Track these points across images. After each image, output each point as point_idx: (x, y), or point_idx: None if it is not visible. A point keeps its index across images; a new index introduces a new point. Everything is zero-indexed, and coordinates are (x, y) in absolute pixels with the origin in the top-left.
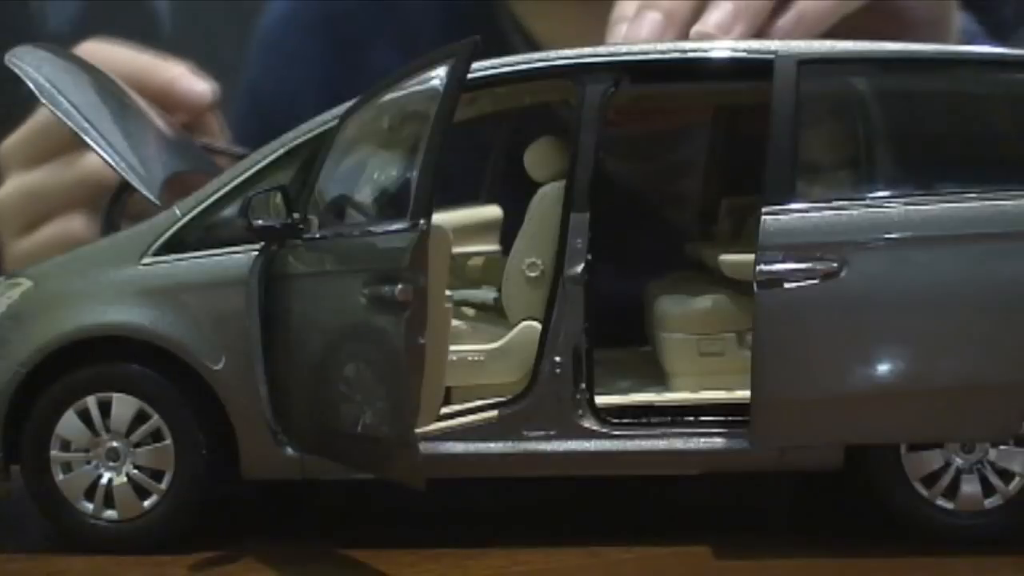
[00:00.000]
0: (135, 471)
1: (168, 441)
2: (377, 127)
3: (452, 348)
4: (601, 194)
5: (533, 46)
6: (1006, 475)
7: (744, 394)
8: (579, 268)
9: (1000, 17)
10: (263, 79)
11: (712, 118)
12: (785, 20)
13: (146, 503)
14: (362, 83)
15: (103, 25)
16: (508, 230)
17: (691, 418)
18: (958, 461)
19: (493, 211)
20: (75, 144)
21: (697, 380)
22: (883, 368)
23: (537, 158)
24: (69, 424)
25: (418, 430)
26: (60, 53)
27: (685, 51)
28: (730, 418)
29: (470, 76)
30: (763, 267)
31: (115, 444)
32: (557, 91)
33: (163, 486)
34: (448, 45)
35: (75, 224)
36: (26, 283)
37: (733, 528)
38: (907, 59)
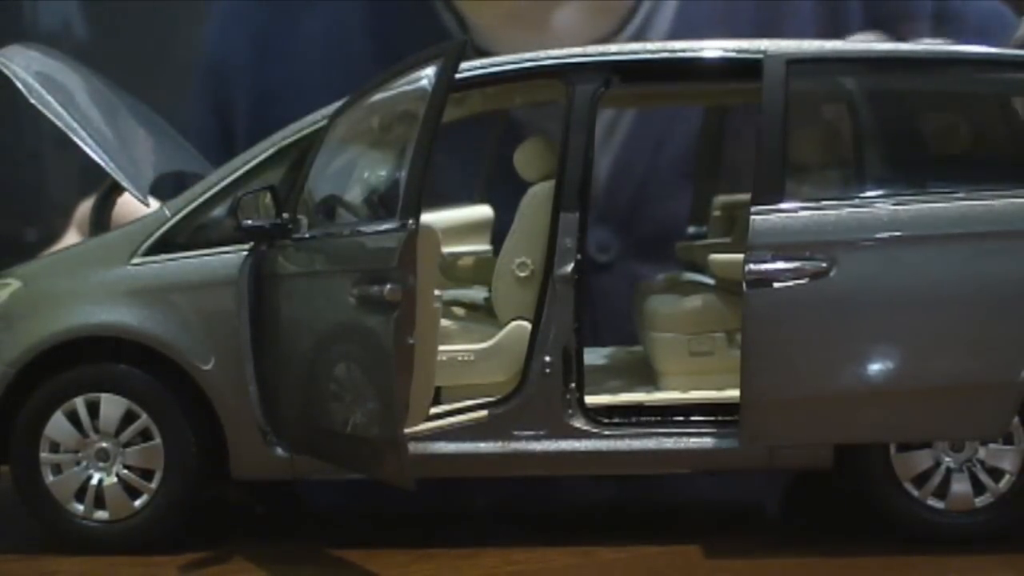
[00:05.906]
0: (125, 471)
1: (157, 440)
2: (366, 127)
3: (442, 348)
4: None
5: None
6: (996, 473)
7: (734, 393)
8: (569, 268)
9: None
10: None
11: (703, 118)
12: None
13: (137, 503)
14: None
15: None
16: (499, 230)
17: (681, 417)
18: (948, 460)
19: (484, 211)
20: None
21: (687, 380)
22: (872, 367)
23: (527, 158)
24: (57, 425)
25: (407, 430)
26: (49, 52)
27: (675, 51)
28: (720, 417)
29: (459, 76)
30: (752, 267)
31: (104, 444)
32: (547, 91)
33: (153, 485)
34: (436, 45)
35: None
36: (15, 283)
37: (724, 527)
38: (896, 59)
